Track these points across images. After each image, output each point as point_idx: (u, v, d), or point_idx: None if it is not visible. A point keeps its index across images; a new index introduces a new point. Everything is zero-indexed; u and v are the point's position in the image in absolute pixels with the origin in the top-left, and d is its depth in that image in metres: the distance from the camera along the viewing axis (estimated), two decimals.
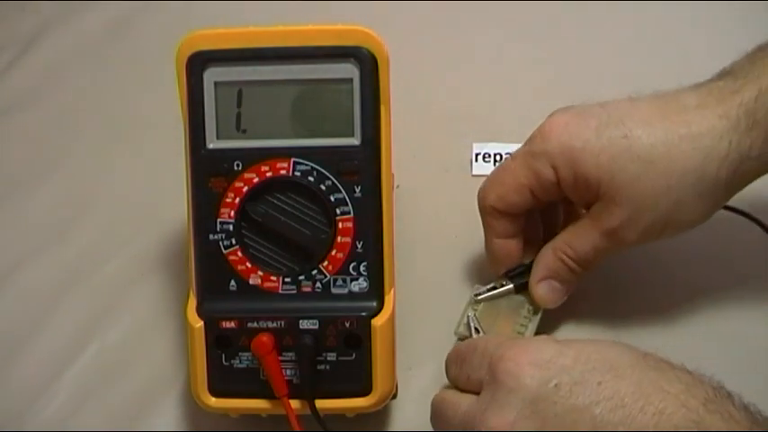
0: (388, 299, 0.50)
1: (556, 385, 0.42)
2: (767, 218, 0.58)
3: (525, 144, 0.53)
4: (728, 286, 0.57)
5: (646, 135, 0.49)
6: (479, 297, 0.55)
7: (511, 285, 0.55)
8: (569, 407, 0.42)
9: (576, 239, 0.52)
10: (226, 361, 0.50)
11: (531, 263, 0.55)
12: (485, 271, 0.58)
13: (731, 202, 0.52)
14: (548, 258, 0.53)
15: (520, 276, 0.55)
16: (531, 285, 0.53)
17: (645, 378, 0.42)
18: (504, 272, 0.55)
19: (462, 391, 0.47)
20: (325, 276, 0.50)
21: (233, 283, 0.50)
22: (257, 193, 0.50)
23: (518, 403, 0.43)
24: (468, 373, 0.47)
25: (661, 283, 0.58)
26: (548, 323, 0.55)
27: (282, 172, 0.50)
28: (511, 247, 0.55)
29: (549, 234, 0.56)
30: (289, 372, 0.50)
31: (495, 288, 0.55)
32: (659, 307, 0.56)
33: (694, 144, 0.49)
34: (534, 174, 0.51)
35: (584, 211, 0.53)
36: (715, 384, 0.43)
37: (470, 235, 0.60)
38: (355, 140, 0.50)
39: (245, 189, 0.50)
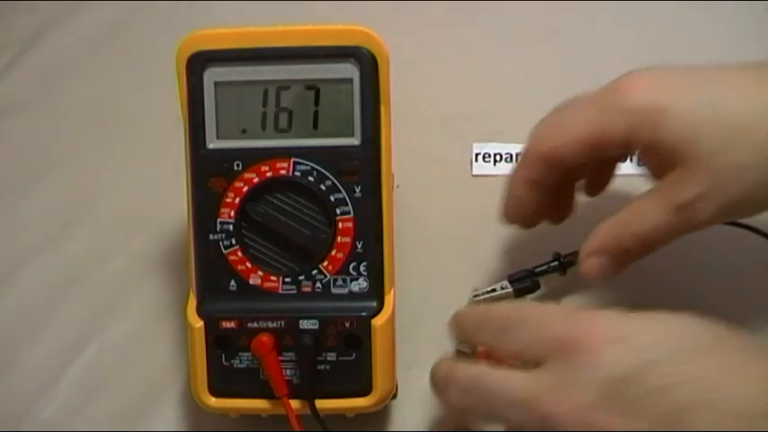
0: (388, 299, 0.50)
1: (637, 365, 0.39)
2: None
3: (594, 97, 0.48)
4: (735, 295, 0.57)
5: (736, 103, 0.45)
6: (478, 298, 0.55)
7: (510, 289, 0.55)
8: (650, 388, 0.39)
9: (642, 213, 0.47)
10: (226, 361, 0.50)
11: (533, 269, 0.55)
12: (485, 271, 0.58)
13: None
14: (605, 232, 0.48)
15: (520, 281, 0.55)
16: (581, 257, 0.49)
17: (727, 359, 0.40)
18: (507, 276, 0.55)
19: (498, 364, 0.43)
20: (325, 276, 0.50)
21: (233, 283, 0.50)
22: (257, 193, 0.50)
23: (596, 384, 0.39)
24: (517, 347, 0.43)
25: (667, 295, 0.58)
26: None
27: (282, 172, 0.50)
28: (530, 200, 0.51)
29: (557, 202, 0.53)
30: (289, 372, 0.50)
31: (494, 291, 0.55)
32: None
33: None
34: (603, 130, 0.47)
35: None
36: None
37: (470, 235, 0.60)
38: (355, 140, 0.50)
39: (245, 189, 0.50)
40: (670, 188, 0.46)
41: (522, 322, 0.44)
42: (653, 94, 0.46)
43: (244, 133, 0.50)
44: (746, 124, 0.45)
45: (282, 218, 0.50)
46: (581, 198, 0.62)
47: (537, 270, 0.55)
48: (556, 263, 0.56)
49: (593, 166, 0.54)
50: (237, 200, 0.50)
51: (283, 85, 0.50)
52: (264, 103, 0.50)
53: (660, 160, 0.47)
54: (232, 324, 0.50)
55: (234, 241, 0.50)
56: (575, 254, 0.56)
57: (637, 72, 0.48)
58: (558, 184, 0.51)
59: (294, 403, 0.50)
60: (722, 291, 0.57)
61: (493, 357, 0.44)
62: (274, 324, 0.50)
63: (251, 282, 0.50)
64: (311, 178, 0.50)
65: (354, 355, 0.50)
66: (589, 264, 0.49)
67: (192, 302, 0.51)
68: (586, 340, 0.40)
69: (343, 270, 0.50)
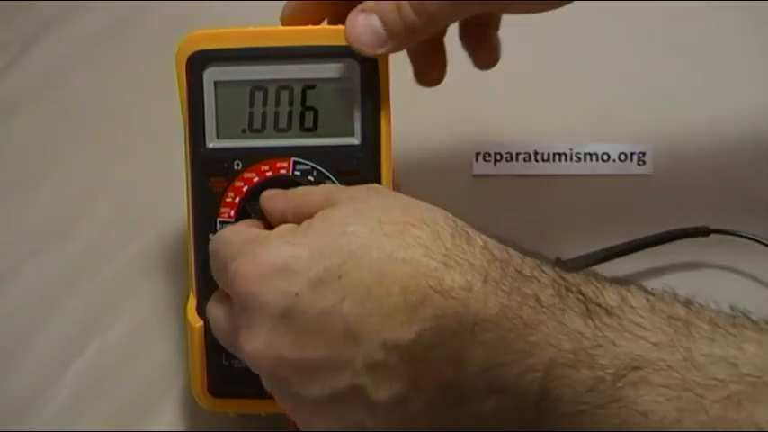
0: None
1: (297, 294, 0.39)
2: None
3: None
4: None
5: None
6: None
7: None
8: (318, 312, 0.39)
9: None
10: (225, 361, 0.50)
11: None
12: None
13: (720, 226, 0.51)
14: None
15: None
16: (350, 13, 0.47)
17: (382, 255, 0.39)
18: None
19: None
20: None
21: None
22: (257, 192, 0.50)
23: (266, 322, 0.40)
24: (216, 274, 0.44)
25: None
26: None
27: (282, 171, 0.50)
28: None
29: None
30: None
31: None
32: None
33: None
34: None
35: None
36: (454, 230, 0.40)
37: None
38: (355, 140, 0.50)
39: (245, 189, 0.50)
40: None
41: (222, 246, 0.44)
42: None
43: (243, 133, 0.50)
44: None
45: None
46: (583, 200, 0.62)
47: None
48: None
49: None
50: (237, 199, 0.50)
51: (283, 85, 0.50)
52: (264, 103, 0.50)
53: None
54: None
55: None
56: (576, 259, 0.56)
57: None
58: None
59: None
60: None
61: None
62: None
63: None
64: (311, 178, 0.50)
65: None
66: (358, 19, 0.47)
67: (192, 302, 0.51)
68: (247, 282, 0.41)
69: None
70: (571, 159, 0.63)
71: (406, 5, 0.46)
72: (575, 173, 0.63)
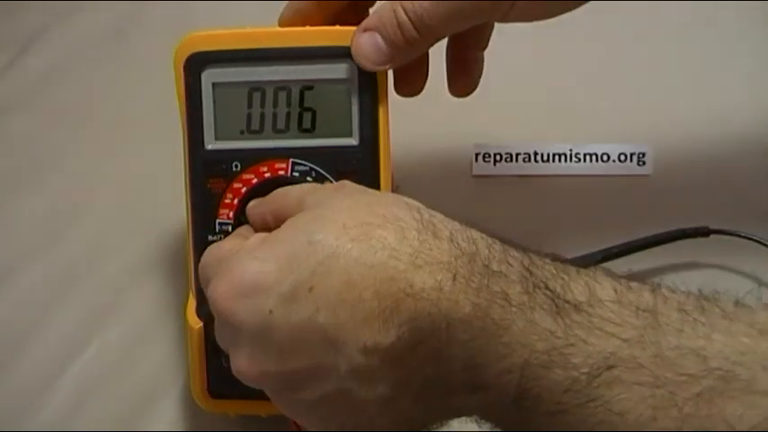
0: None
1: (271, 311, 0.39)
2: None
3: None
4: None
5: None
6: None
7: None
8: (294, 326, 0.39)
9: None
10: (225, 362, 0.50)
11: None
12: None
13: (720, 226, 0.51)
14: (384, 8, 0.47)
15: None
16: (355, 32, 0.48)
17: (349, 261, 0.39)
18: None
19: None
20: None
21: None
22: (256, 193, 0.50)
23: (246, 341, 0.41)
24: (206, 295, 0.44)
25: None
26: None
27: (281, 172, 0.50)
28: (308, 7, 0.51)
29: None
30: None
31: None
32: None
33: None
34: None
35: None
36: (420, 224, 0.40)
37: None
38: (353, 140, 0.50)
39: (244, 190, 0.50)
40: None
41: (205, 266, 0.45)
42: None
43: (242, 134, 0.50)
44: None
45: None
46: (583, 200, 0.62)
47: None
48: None
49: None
50: (236, 201, 0.50)
51: (281, 86, 0.50)
52: (262, 104, 0.50)
53: None
54: None
55: None
56: (576, 259, 0.56)
57: None
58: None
59: None
60: None
61: None
62: None
63: None
64: (310, 179, 0.50)
65: None
66: (363, 37, 0.48)
67: (192, 303, 0.51)
68: (222, 302, 0.41)
69: None
70: (571, 159, 0.63)
71: (406, 22, 0.47)
72: (575, 173, 0.63)
